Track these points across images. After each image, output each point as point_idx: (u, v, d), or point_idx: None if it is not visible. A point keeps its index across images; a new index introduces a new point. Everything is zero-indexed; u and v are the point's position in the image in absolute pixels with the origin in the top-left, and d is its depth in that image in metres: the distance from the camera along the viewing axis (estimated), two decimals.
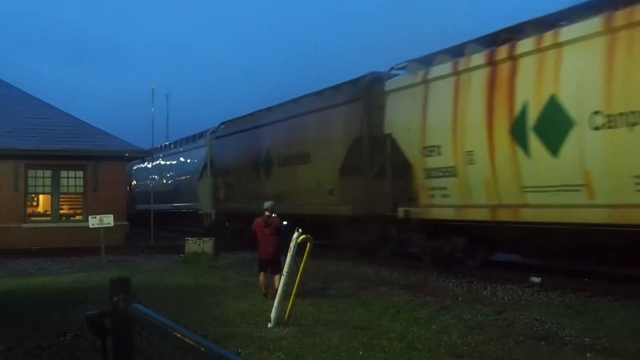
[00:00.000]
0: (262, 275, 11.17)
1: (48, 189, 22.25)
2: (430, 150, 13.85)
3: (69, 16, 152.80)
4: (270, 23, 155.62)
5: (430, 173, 13.96)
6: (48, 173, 22.10)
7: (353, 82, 17.61)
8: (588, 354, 7.13)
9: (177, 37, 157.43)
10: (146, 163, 35.19)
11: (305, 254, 9.42)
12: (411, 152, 14.46)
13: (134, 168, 37.84)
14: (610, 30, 9.87)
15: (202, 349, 1.65)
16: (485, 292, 11.66)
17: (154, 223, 25.70)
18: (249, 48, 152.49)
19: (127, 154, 23.32)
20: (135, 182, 39.42)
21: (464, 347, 7.44)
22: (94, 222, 17.40)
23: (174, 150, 33.89)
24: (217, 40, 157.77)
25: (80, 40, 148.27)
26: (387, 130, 15.29)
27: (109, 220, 17.47)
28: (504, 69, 11.90)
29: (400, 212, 14.65)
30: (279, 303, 8.87)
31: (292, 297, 9.17)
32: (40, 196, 22.92)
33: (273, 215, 11.41)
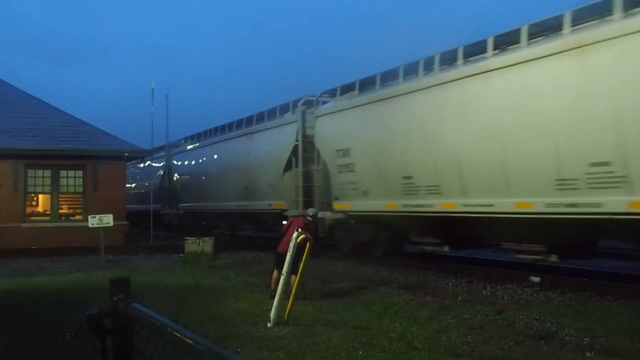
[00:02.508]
0: (277, 273, 11.01)
1: (47, 189, 22.23)
2: None
3: (36, 14, 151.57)
4: (263, 26, 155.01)
5: None
6: (47, 173, 22.09)
7: None
8: (587, 354, 7.13)
9: (156, 37, 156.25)
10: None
11: (305, 254, 9.43)
12: None
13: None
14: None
15: (202, 348, 1.65)
16: (484, 292, 11.67)
17: None
18: (241, 49, 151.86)
19: (126, 154, 23.30)
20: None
21: (464, 347, 7.44)
22: (93, 221, 17.39)
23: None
24: (196, 40, 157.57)
25: (53, 39, 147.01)
26: None
27: (108, 220, 17.46)
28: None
29: None
30: (279, 303, 8.87)
31: (291, 296, 9.18)
32: (40, 196, 22.90)
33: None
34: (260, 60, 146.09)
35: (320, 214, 17.10)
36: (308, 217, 11.73)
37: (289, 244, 10.63)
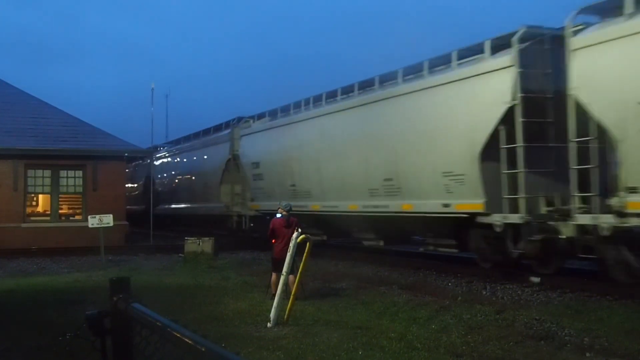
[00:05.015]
0: (275, 276, 11.05)
1: (47, 189, 22.24)
2: None
3: (7, 13, 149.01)
4: (253, 24, 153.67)
5: None
6: (47, 173, 22.10)
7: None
8: (587, 354, 7.13)
9: (134, 37, 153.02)
10: None
11: (305, 254, 9.42)
12: None
13: None
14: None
15: (202, 349, 1.65)
16: (484, 292, 11.66)
17: None
18: (230, 49, 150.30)
19: (126, 154, 23.31)
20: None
21: (464, 347, 7.44)
22: (93, 222, 17.39)
23: None
24: (178, 40, 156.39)
25: (27, 39, 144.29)
26: None
27: (108, 220, 17.46)
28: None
29: None
30: (279, 303, 8.87)
31: (291, 297, 9.18)
32: (40, 196, 22.93)
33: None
34: (250, 59, 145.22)
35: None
36: (284, 212, 11.53)
37: (282, 249, 10.69)
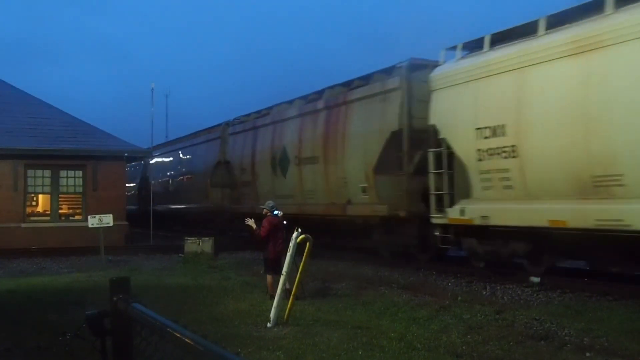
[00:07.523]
0: (270, 277, 11.02)
1: (47, 189, 22.23)
2: None
3: None
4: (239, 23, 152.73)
5: None
6: (47, 173, 22.09)
7: None
8: (587, 354, 7.13)
9: (111, 36, 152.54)
10: None
11: (305, 254, 9.43)
12: None
13: None
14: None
15: (202, 349, 1.65)
16: (484, 292, 11.67)
17: None
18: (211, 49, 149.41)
19: (126, 154, 23.31)
20: None
21: (464, 347, 7.44)
22: (93, 221, 17.39)
23: None
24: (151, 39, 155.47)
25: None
26: None
27: (108, 220, 17.46)
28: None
29: None
30: (279, 303, 8.88)
31: (291, 297, 9.19)
32: (40, 196, 22.89)
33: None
34: (248, 58, 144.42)
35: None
36: (275, 212, 11.44)
37: (277, 248, 10.70)
